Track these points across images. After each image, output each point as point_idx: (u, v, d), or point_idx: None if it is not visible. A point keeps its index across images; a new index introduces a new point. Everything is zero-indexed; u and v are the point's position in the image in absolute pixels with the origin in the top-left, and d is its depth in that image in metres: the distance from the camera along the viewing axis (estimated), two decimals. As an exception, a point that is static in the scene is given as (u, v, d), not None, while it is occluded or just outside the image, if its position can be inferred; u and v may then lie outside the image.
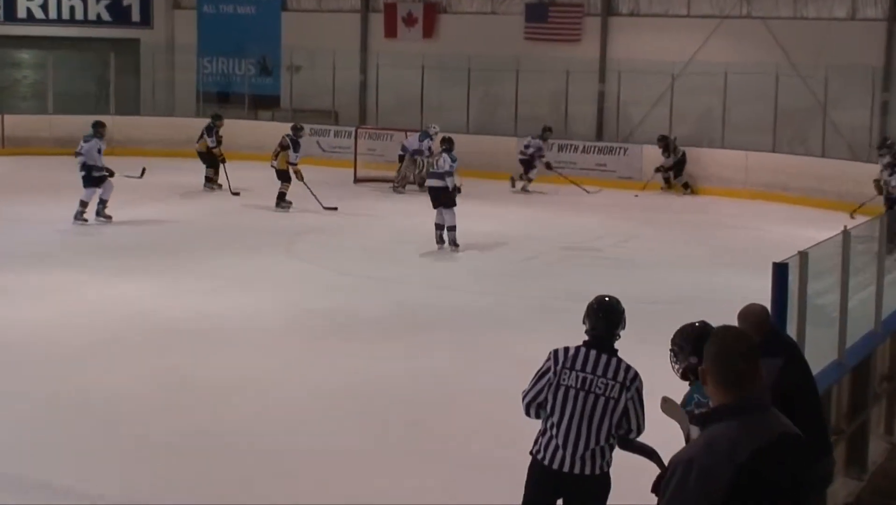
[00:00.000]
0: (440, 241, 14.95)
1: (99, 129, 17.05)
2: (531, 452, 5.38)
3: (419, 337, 10.79)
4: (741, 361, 3.32)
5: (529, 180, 21.51)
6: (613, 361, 5.28)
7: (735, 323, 5.31)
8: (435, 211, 15.13)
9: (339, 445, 7.90)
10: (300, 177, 18.19)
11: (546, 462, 5.29)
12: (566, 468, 5.24)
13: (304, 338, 10.65)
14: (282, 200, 18.36)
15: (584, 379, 5.26)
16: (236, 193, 19.85)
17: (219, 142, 20.74)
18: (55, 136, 24.52)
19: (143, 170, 17.75)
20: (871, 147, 20.79)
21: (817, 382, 5.83)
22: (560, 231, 17.17)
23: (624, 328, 5.45)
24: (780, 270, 6.35)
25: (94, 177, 16.55)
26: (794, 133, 21.77)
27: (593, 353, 5.30)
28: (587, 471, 5.24)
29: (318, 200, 18.17)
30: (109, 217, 16.69)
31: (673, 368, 5.15)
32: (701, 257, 15.14)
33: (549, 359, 5.37)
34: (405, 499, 7.01)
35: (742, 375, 3.31)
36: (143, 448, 7.79)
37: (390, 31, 26.33)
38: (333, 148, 24.79)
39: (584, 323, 5.44)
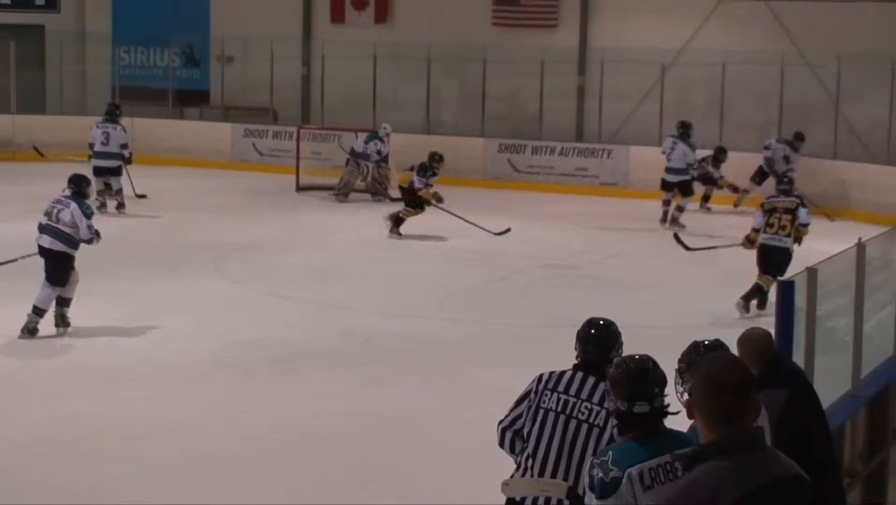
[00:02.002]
0: (31, 330, 11.41)
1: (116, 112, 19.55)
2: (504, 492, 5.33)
3: (375, 374, 10.76)
4: (731, 394, 3.34)
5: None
6: (602, 385, 5.18)
7: (735, 350, 5.39)
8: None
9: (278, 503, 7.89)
10: (435, 199, 17.86)
11: (518, 499, 5.23)
12: (509, 494, 5.18)
13: (235, 375, 10.57)
14: (395, 226, 17.75)
15: (566, 402, 5.21)
16: (142, 196, 19.99)
17: None
18: (-55, 139, 24.40)
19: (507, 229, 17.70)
20: (891, 145, 21.12)
21: (828, 417, 5.89)
22: (536, 246, 17.22)
23: (619, 354, 5.34)
24: (785, 290, 6.42)
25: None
26: (803, 131, 21.92)
27: (580, 375, 5.27)
28: None
29: (479, 226, 17.71)
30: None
31: (677, 392, 4.99)
32: (698, 276, 15.19)
33: (533, 381, 5.36)
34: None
35: (732, 409, 3.33)
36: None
37: (337, 16, 26.35)
38: (272, 151, 24.80)
39: (575, 349, 5.43)
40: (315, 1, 26.73)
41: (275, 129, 25.36)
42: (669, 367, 4.97)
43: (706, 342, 5.24)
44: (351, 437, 9.03)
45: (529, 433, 5.27)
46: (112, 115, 19.39)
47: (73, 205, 11.38)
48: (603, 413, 5.13)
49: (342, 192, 21.21)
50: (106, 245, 16.23)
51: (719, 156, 20.46)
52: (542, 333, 11.85)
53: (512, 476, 5.33)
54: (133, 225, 18.32)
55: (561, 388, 5.25)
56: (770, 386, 5.25)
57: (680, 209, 19.22)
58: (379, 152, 20.97)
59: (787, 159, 20.10)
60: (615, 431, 5.07)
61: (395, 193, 21.14)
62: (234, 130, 25.54)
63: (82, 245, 11.51)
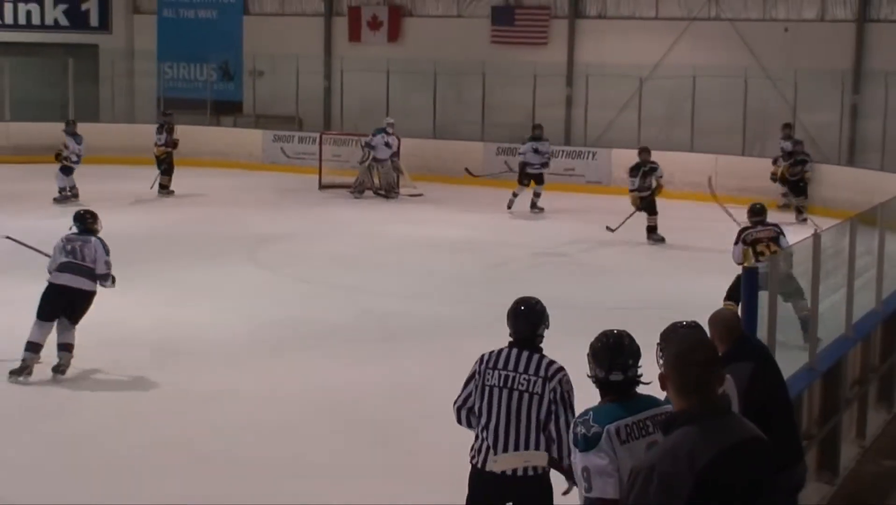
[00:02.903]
0: (25, 371, 9.32)
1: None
2: (470, 461, 5.36)
3: (388, 347, 10.76)
4: (699, 368, 3.37)
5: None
6: (535, 357, 5.27)
7: (707, 329, 5.35)
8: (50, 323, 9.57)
9: (304, 460, 7.89)
10: (634, 205, 16.75)
11: (480, 465, 5.29)
12: (498, 470, 5.22)
13: (268, 349, 10.58)
14: (652, 234, 16.77)
15: (507, 377, 5.25)
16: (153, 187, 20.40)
17: (172, 143, 20.57)
18: (13, 144, 24.36)
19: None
20: (842, 149, 21.12)
21: (789, 388, 5.86)
22: (529, 237, 17.21)
23: (547, 327, 5.44)
24: (750, 275, 6.38)
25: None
26: (764, 136, 21.86)
27: (515, 351, 5.31)
28: (520, 472, 5.20)
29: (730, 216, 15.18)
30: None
31: (659, 365, 5.02)
32: (674, 262, 15.18)
33: (476, 362, 5.39)
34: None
35: (700, 381, 3.35)
36: (106, 462, 7.78)
37: (354, 35, 26.32)
38: (298, 154, 24.74)
39: (508, 326, 5.43)
40: (335, 22, 26.70)
41: (300, 134, 25.30)
42: (642, 344, 4.94)
43: (685, 322, 5.20)
44: (366, 402, 9.06)
45: (480, 408, 5.31)
46: (70, 126, 19.93)
47: (94, 240, 9.70)
48: (539, 382, 5.19)
49: (357, 190, 21.13)
50: (154, 237, 16.40)
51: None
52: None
53: (472, 446, 5.35)
54: (177, 219, 18.32)
55: (500, 365, 5.29)
56: (737, 360, 5.23)
57: (537, 195, 19.60)
58: (388, 144, 20.77)
59: (787, 152, 19.79)
60: (558, 389, 5.15)
61: (407, 191, 21.14)
62: (265, 136, 25.51)
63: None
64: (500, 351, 5.34)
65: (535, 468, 5.19)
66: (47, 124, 24.88)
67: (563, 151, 23.25)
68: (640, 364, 4.55)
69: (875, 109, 21.44)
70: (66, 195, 19.29)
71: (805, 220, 16.78)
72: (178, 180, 20.52)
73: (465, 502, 5.40)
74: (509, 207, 19.25)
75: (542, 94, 24.15)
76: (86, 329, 10.80)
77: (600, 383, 4.52)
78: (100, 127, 26.00)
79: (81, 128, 25.27)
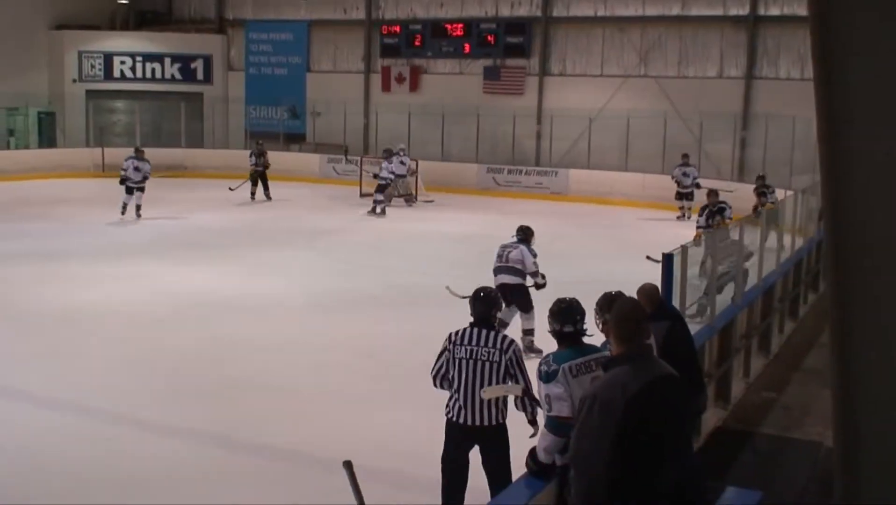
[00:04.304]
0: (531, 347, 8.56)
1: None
2: (446, 415, 5.13)
3: (409, 309, 10.70)
4: (633, 323, 3.33)
5: (689, 209, 18.17)
6: (492, 333, 5.09)
7: (635, 296, 5.27)
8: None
9: (347, 390, 7.85)
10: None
11: (454, 419, 5.07)
12: (469, 422, 5.00)
13: (321, 310, 10.52)
14: None
15: (472, 351, 5.04)
16: (232, 189, 20.24)
17: (264, 164, 20.41)
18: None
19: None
20: (734, 171, 21.01)
21: (694, 340, 5.84)
22: (508, 230, 17.02)
23: (500, 309, 5.29)
24: (667, 259, 6.41)
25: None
26: (678, 161, 21.72)
27: (476, 330, 5.11)
28: (486, 423, 4.99)
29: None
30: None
31: (596, 322, 4.91)
32: (613, 251, 15.11)
33: (446, 340, 5.18)
34: (400, 424, 6.96)
35: (633, 332, 3.32)
36: (199, 388, 7.73)
37: (385, 87, 26.16)
38: (345, 172, 24.64)
39: (470, 309, 5.24)
40: (371, 77, 26.53)
41: (346, 157, 25.22)
42: (589, 306, 4.87)
43: (613, 292, 5.15)
44: (394, 348, 9.01)
45: (454, 376, 5.07)
46: (139, 153, 17.47)
47: (521, 247, 9.08)
48: (497, 352, 5.01)
49: (387, 199, 20.92)
50: (240, 228, 16.34)
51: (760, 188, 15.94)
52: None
53: (447, 404, 5.13)
54: (257, 217, 18.27)
55: (465, 341, 5.07)
56: (657, 320, 5.16)
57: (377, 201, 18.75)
58: (402, 162, 20.33)
59: (685, 175, 19.31)
60: (513, 357, 5.01)
61: (423, 198, 21.03)
62: (321, 159, 25.46)
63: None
64: (464, 330, 5.12)
65: (497, 419, 5.00)
66: (166, 149, 24.97)
67: (534, 170, 23.19)
68: (585, 321, 4.50)
69: (758, 141, 21.34)
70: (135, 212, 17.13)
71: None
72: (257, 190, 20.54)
73: (443, 447, 5.15)
74: (374, 212, 18.41)
75: (520, 129, 24.02)
76: (188, 295, 10.79)
77: (557, 335, 4.48)
78: (203, 151, 26.06)
79: (190, 152, 25.46)
